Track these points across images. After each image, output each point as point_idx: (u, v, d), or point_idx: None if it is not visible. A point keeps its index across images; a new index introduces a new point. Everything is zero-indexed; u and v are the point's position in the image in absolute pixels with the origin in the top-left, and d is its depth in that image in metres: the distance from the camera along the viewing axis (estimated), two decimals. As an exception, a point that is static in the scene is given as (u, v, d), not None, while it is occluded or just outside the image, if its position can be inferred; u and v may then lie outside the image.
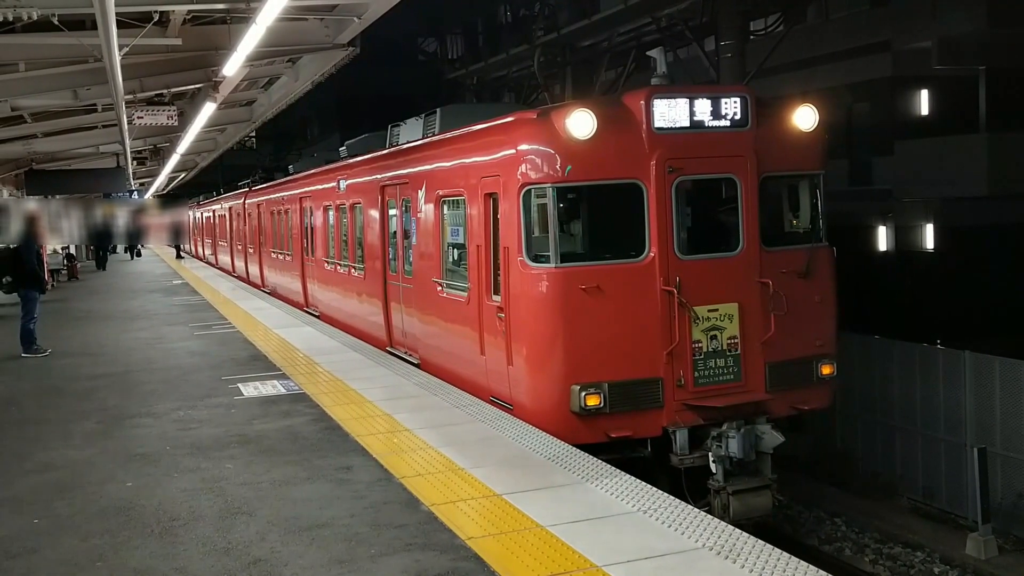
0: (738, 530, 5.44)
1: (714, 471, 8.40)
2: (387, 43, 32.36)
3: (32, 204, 21.79)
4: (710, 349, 8.54)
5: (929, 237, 22.51)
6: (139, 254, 45.17)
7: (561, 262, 8.34)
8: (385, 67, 35.79)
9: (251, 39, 10.71)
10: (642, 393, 8.33)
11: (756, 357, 8.68)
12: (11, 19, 10.08)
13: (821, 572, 4.79)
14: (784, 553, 5.05)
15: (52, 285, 21.66)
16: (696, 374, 8.49)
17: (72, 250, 34.68)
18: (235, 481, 6.70)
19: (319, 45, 14.19)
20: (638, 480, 6.38)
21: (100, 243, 38.83)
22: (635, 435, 8.35)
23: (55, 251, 29.37)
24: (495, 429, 7.83)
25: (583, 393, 8.15)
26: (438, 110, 12.03)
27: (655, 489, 6.20)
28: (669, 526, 5.48)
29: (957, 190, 20.27)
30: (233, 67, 12.81)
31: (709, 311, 8.51)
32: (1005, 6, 18.99)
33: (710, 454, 8.37)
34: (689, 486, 8.38)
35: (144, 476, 6.97)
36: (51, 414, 9.36)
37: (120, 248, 47.20)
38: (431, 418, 8.29)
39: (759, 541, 5.22)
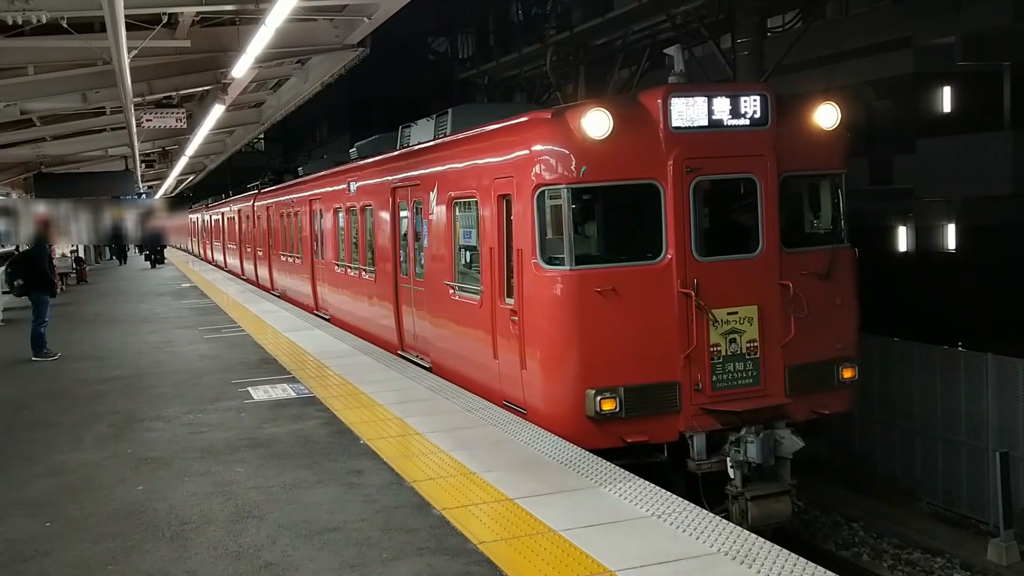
0: (754, 535, 5.41)
1: (732, 476, 8.20)
2: (397, 43, 32.34)
3: (42, 207, 21.84)
4: (729, 352, 8.34)
5: (951, 237, 22.25)
6: (161, 261, 39.19)
7: (576, 264, 8.17)
8: (395, 67, 35.76)
9: (260, 40, 10.69)
10: (659, 397, 8.15)
11: (776, 361, 8.49)
12: (20, 22, 10.10)
13: (838, 577, 4.71)
14: (801, 558, 5.00)
15: (62, 288, 21.70)
16: (714, 378, 8.30)
17: (81, 253, 34.90)
18: (246, 485, 6.70)
19: (329, 46, 14.20)
20: (652, 484, 6.32)
21: (118, 242, 41.63)
22: (651, 440, 8.18)
23: (63, 255, 29.49)
24: (507, 433, 7.78)
25: (598, 397, 7.99)
26: (450, 111, 11.92)
27: (669, 494, 6.15)
28: (684, 531, 5.43)
29: (980, 189, 19.96)
30: (242, 69, 12.80)
31: (728, 314, 8.33)
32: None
33: (728, 459, 8.18)
34: (706, 492, 8.20)
35: (155, 480, 6.98)
36: (62, 418, 9.37)
37: (136, 251, 46.85)
38: (442, 422, 8.24)
39: (775, 546, 5.19)
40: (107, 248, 46.66)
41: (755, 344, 8.42)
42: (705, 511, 5.81)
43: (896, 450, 14.08)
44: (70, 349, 13.88)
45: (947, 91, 23.13)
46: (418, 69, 39.63)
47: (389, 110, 34.10)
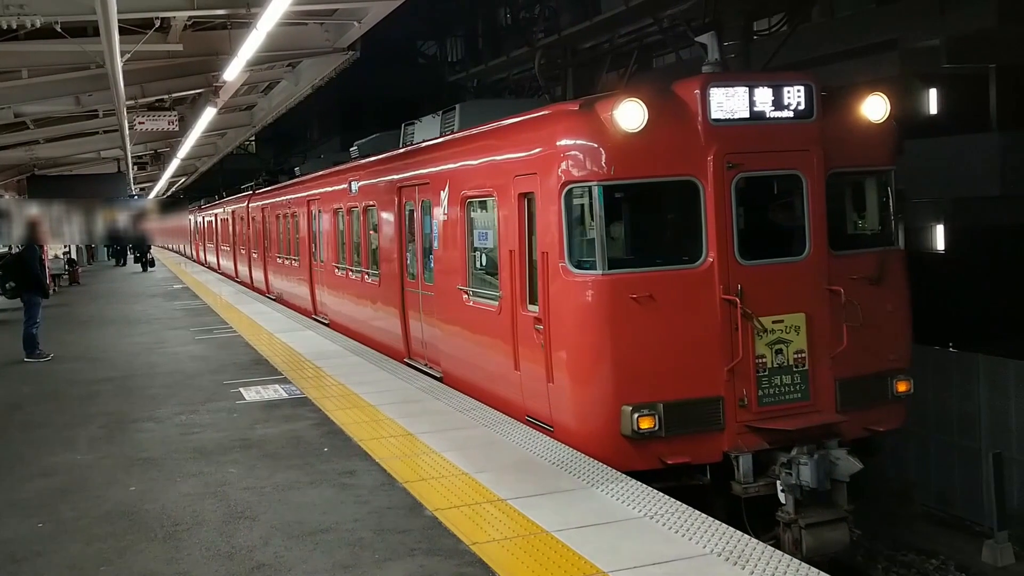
0: (747, 536, 5.42)
1: (784, 502, 7.48)
2: (387, 46, 32.32)
3: (33, 209, 21.80)
4: (775, 364, 7.64)
5: (940, 238, 22.31)
6: (152, 264, 38.85)
7: (608, 268, 7.53)
8: (385, 70, 35.70)
9: (251, 44, 10.69)
10: (701, 414, 7.49)
11: (825, 373, 7.80)
12: (14, 27, 10.09)
13: (831, 579, 4.73)
14: (794, 560, 5.01)
15: (54, 290, 21.68)
16: (760, 392, 7.60)
17: (73, 254, 34.79)
18: (238, 486, 6.71)
19: (319, 49, 14.21)
20: (645, 485, 6.30)
21: (118, 243, 41.91)
22: (693, 461, 7.50)
23: (56, 256, 29.42)
24: (499, 434, 7.78)
25: (635, 415, 7.31)
26: (456, 106, 11.49)
27: (662, 494, 6.12)
28: (676, 532, 5.45)
29: (969, 190, 20.01)
30: (233, 72, 12.82)
31: (773, 322, 7.64)
32: (1015, 2, 18.71)
33: (779, 483, 7.47)
34: (750, 517, 7.53)
35: (147, 480, 7.00)
36: (54, 418, 9.38)
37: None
38: (435, 422, 8.24)
39: (768, 547, 5.24)
40: (106, 249, 46.68)
41: (803, 355, 7.73)
42: (697, 512, 5.76)
43: (890, 451, 14.09)
44: (63, 350, 13.87)
45: (934, 93, 23.24)
46: (408, 72, 39.55)
47: (380, 112, 34.05)
